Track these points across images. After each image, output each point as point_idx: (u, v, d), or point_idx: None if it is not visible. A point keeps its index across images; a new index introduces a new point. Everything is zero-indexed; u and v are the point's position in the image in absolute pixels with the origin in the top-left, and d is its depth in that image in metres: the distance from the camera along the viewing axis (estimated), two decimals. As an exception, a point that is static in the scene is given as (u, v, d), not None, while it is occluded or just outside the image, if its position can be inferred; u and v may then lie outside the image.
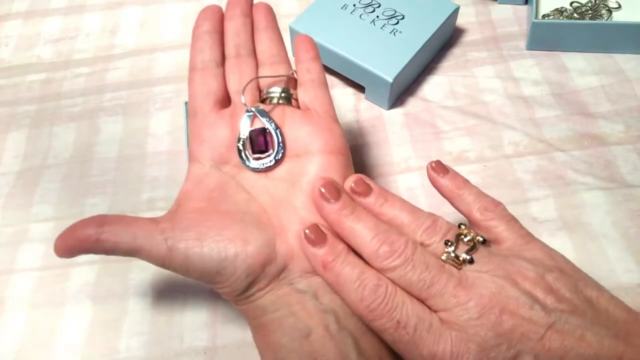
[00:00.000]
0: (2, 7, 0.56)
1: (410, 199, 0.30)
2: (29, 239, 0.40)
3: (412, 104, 0.45)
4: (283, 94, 0.32)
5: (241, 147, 0.31)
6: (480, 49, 0.48)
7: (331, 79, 0.47)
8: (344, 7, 0.46)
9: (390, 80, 0.41)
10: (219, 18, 0.34)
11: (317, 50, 0.33)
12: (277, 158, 0.30)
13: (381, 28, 0.44)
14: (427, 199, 0.40)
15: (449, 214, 0.30)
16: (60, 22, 0.54)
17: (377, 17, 0.45)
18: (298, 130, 0.31)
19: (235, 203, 0.29)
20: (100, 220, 0.27)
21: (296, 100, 0.33)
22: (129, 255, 0.27)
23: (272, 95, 0.32)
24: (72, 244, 0.27)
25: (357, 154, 0.42)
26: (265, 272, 0.27)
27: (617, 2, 0.49)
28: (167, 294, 0.37)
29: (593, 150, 0.41)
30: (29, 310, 0.36)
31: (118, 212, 0.40)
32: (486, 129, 0.43)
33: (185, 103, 0.42)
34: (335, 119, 0.32)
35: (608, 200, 0.39)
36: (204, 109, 0.31)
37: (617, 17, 0.48)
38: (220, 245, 0.27)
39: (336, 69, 0.45)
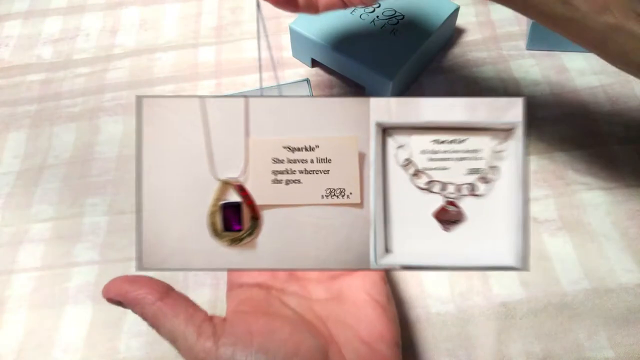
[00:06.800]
0: (2, 7, 0.56)
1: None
2: (29, 239, 0.40)
3: (412, 104, 0.45)
4: None
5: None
6: (480, 49, 0.48)
7: (331, 79, 0.47)
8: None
9: (390, 80, 0.41)
10: None
11: None
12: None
13: (381, 28, 0.44)
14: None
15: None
16: (60, 22, 0.54)
17: (377, 17, 0.45)
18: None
19: (283, 314, 0.28)
20: (166, 289, 0.26)
21: None
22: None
23: None
24: (120, 297, 0.26)
25: (357, 154, 0.42)
26: None
27: (617, 2, 0.49)
28: (167, 294, 0.36)
29: (593, 150, 0.41)
30: (29, 310, 0.36)
31: (118, 212, 0.40)
32: (486, 129, 0.43)
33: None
34: None
35: (608, 200, 0.39)
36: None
37: (617, 17, 0.48)
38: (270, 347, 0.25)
39: (336, 69, 0.45)
